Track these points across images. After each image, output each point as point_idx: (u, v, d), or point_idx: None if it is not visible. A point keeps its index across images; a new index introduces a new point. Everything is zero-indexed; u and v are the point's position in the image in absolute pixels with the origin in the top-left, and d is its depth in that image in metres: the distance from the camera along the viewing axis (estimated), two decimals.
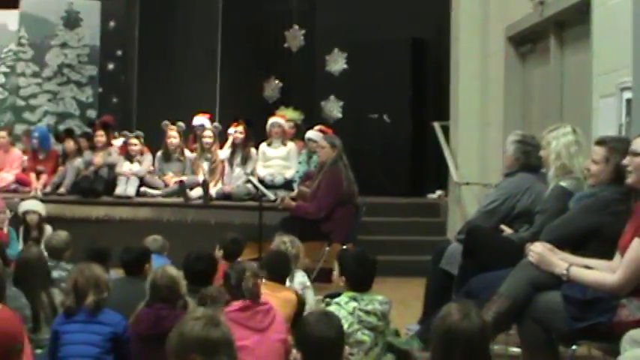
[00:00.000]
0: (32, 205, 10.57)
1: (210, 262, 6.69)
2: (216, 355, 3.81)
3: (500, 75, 11.46)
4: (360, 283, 5.79)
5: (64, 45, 15.50)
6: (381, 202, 12.59)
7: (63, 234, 8.41)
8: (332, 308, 5.57)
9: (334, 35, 15.29)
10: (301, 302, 6.74)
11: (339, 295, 5.80)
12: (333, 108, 15.26)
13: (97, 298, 5.65)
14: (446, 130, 12.72)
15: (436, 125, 13.02)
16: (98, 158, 12.06)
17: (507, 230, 6.93)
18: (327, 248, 10.17)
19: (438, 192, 13.41)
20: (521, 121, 10.97)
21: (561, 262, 5.30)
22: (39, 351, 6.11)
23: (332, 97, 15.32)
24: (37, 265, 6.93)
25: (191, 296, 5.77)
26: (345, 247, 9.55)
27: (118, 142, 12.82)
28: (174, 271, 5.77)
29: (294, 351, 4.62)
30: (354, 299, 5.62)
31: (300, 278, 7.56)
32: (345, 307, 5.57)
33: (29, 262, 6.92)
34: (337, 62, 15.41)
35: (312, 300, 7.49)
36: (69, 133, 13.04)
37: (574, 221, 5.73)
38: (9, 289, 6.31)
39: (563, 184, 6.28)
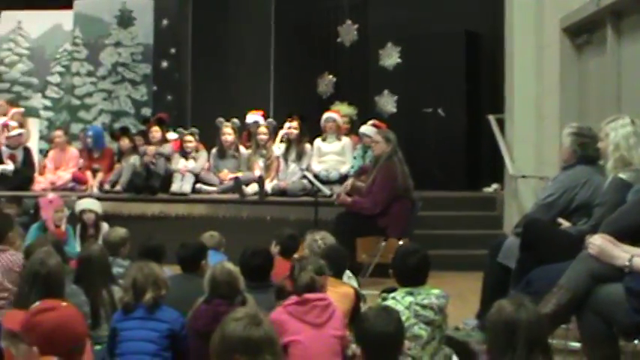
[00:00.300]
0: (89, 204, 10.66)
1: (266, 258, 6.68)
2: (259, 354, 3.80)
3: (555, 66, 11.35)
4: (408, 278, 5.76)
5: (118, 44, 15.61)
6: (436, 196, 12.50)
7: (120, 230, 8.47)
8: (388, 303, 5.55)
9: (387, 29, 15.23)
10: (359, 297, 6.74)
11: (395, 289, 5.77)
12: (387, 102, 15.21)
13: (155, 295, 5.68)
14: (501, 123, 12.62)
15: (491, 118, 12.93)
16: (151, 148, 12.16)
17: (565, 223, 6.87)
18: (384, 243, 10.16)
19: (494, 185, 13.30)
20: (577, 113, 10.85)
21: (623, 253, 5.24)
22: (98, 347, 6.16)
23: (386, 92, 15.26)
24: (98, 262, 6.99)
25: (248, 292, 5.78)
26: (401, 242, 9.57)
27: (171, 135, 12.91)
28: (233, 267, 5.78)
29: (353, 346, 4.61)
30: (410, 294, 5.60)
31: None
32: (401, 302, 5.54)
33: (91, 259, 6.97)
34: (391, 56, 15.35)
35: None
36: (124, 131, 13.15)
37: (633, 213, 5.66)
38: (68, 286, 6.38)
39: (622, 175, 6.20)
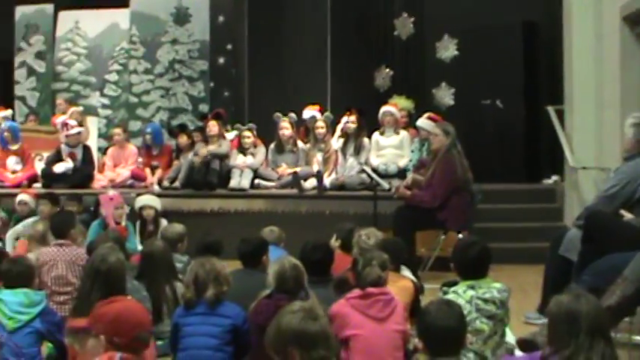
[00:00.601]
0: (148, 200, 10.74)
1: (327, 252, 6.68)
2: (313, 348, 3.82)
3: (615, 56, 11.22)
4: (469, 270, 5.72)
5: (174, 41, 15.71)
6: (496, 188, 12.41)
7: (178, 226, 8.57)
8: (449, 297, 5.53)
9: (444, 22, 15.16)
10: (418, 290, 6.72)
11: (456, 283, 5.75)
12: (445, 95, 15.13)
13: (216, 291, 5.72)
14: (560, 114, 12.51)
15: (550, 109, 12.81)
16: (203, 149, 12.18)
17: (628, 215, 6.80)
18: (443, 236, 10.14)
19: (554, 177, 13.19)
20: (638, 103, 10.72)
21: None
22: (160, 343, 6.22)
23: (443, 85, 15.18)
24: (161, 258, 7.05)
25: (309, 286, 5.78)
26: (460, 235, 9.52)
27: (230, 135, 12.94)
28: (299, 263, 5.78)
29: (415, 340, 4.59)
30: (472, 287, 5.57)
31: None
32: (462, 296, 5.52)
33: (154, 255, 7.04)
34: (448, 49, 15.27)
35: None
36: (182, 128, 13.23)
37: None
38: (129, 282, 6.44)
39: None
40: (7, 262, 6.43)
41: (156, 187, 12.25)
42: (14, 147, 13.18)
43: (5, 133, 13.19)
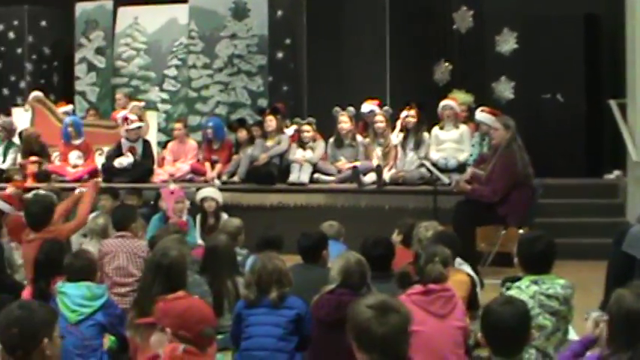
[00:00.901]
0: (210, 192, 10.83)
1: (388, 247, 6.67)
2: (373, 349, 3.82)
3: None
4: (533, 264, 5.67)
5: (233, 36, 15.74)
6: (557, 183, 12.29)
7: (235, 220, 8.64)
8: (512, 292, 5.51)
9: (504, 15, 15.01)
10: (474, 283, 6.69)
11: (518, 279, 5.70)
12: (505, 89, 14.97)
13: (280, 293, 5.74)
14: (623, 108, 12.36)
15: (612, 103, 12.68)
16: (263, 156, 12.19)
17: None
18: (503, 232, 10.06)
19: (616, 172, 13.04)
20: None
21: None
22: (220, 336, 6.23)
23: (503, 78, 15.02)
24: (224, 252, 7.07)
25: (373, 282, 5.76)
26: (521, 230, 9.45)
27: (289, 130, 12.94)
28: (363, 258, 5.77)
29: (478, 335, 4.55)
30: (535, 282, 5.54)
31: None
32: (525, 291, 5.49)
33: (217, 250, 7.06)
34: (507, 42, 15.10)
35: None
36: (241, 122, 13.25)
37: None
38: (191, 276, 6.47)
39: None
40: (70, 256, 6.49)
41: (217, 182, 12.25)
42: (77, 142, 13.28)
43: (69, 128, 13.31)
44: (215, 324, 4.73)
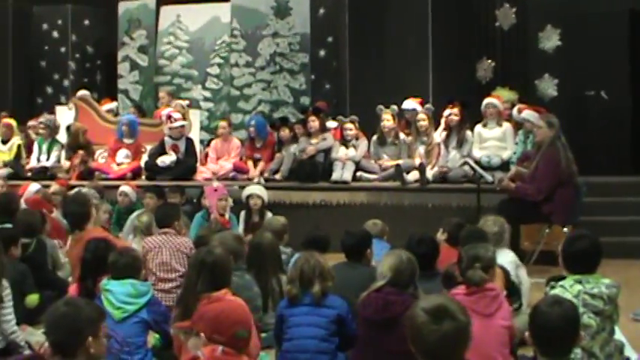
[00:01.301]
0: (256, 189, 10.86)
1: (433, 246, 6.65)
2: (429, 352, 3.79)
3: None
4: (576, 264, 5.63)
5: (275, 34, 15.78)
6: (601, 181, 12.18)
7: (280, 218, 8.63)
8: (556, 291, 5.47)
9: (547, 11, 14.92)
10: (508, 274, 6.66)
11: (563, 278, 5.66)
12: (548, 86, 14.88)
13: (322, 287, 5.74)
14: None
15: None
16: (311, 148, 12.19)
17: None
18: (548, 230, 10.00)
19: None
20: None
21: None
22: (264, 335, 6.25)
23: (546, 76, 14.93)
24: (269, 250, 7.09)
25: (418, 280, 5.75)
26: (565, 229, 9.40)
27: (331, 124, 12.94)
28: (413, 257, 5.75)
29: (526, 334, 4.52)
30: (579, 282, 5.49)
31: (511, 257, 7.48)
32: (569, 290, 5.44)
33: (262, 246, 7.08)
34: (551, 39, 15.01)
35: (526, 279, 7.42)
36: (284, 121, 13.26)
37: None
38: (241, 277, 6.50)
39: None
40: (114, 253, 6.52)
41: (262, 180, 12.24)
42: (129, 141, 13.37)
43: (124, 127, 13.38)
44: (250, 326, 4.71)
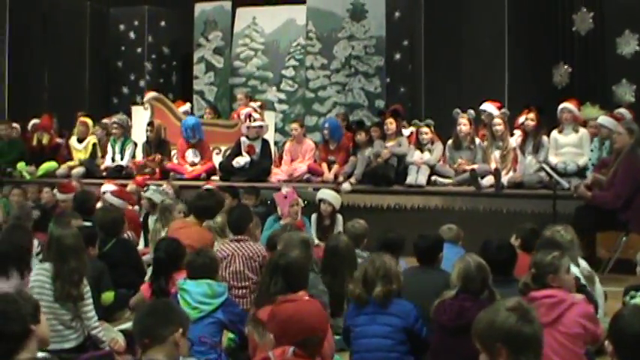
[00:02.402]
0: (328, 195, 10.84)
1: (511, 252, 6.59)
2: (523, 351, 3.77)
3: None
4: None
5: (351, 37, 15.84)
6: None
7: (362, 222, 8.59)
8: (637, 300, 5.38)
9: (625, 16, 14.73)
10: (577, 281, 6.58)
11: None
12: (625, 92, 14.70)
13: (384, 289, 5.72)
14: None
15: None
16: (386, 151, 12.15)
17: None
18: (624, 238, 9.86)
19: None
20: None
21: None
22: (337, 337, 6.24)
23: (624, 81, 14.74)
24: (345, 252, 7.08)
25: (493, 286, 5.70)
26: None
27: (407, 131, 12.90)
28: (484, 262, 5.70)
29: (605, 342, 4.44)
30: None
31: (583, 264, 7.38)
32: None
33: (338, 249, 7.08)
34: (629, 44, 14.83)
35: (599, 286, 7.32)
36: (360, 125, 13.25)
37: None
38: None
39: None
40: (191, 254, 6.59)
41: (346, 186, 12.14)
42: (194, 140, 13.43)
43: (188, 129, 13.42)
44: (323, 330, 4.57)
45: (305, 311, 4.49)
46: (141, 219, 11.00)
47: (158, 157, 13.29)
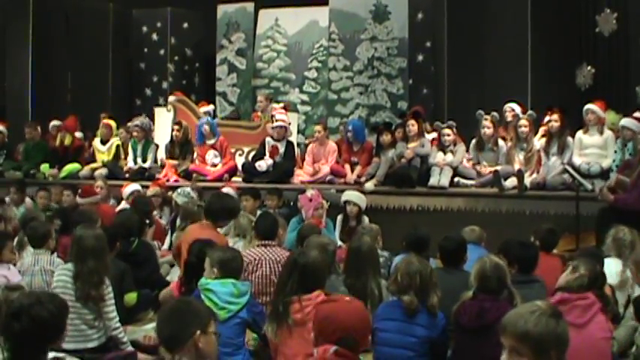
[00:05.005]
0: (354, 197, 10.84)
1: (534, 251, 6.60)
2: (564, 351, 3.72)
3: None
4: None
5: (373, 38, 15.84)
6: None
7: (374, 225, 8.65)
8: None
9: None
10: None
11: None
12: None
13: (416, 299, 5.69)
14: None
15: None
16: (409, 151, 12.13)
17: None
18: None
19: None
20: None
21: None
22: None
23: None
24: (368, 254, 7.07)
25: (514, 286, 5.69)
26: None
27: (430, 136, 12.88)
28: (501, 262, 5.69)
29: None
30: None
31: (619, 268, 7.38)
32: None
33: (361, 250, 7.08)
34: None
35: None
36: (388, 126, 13.22)
37: None
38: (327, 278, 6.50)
39: None
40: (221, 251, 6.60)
41: (369, 185, 12.11)
42: (211, 141, 13.45)
43: (205, 126, 13.46)
44: (361, 331, 4.54)
45: (342, 311, 4.51)
46: (165, 222, 11.09)
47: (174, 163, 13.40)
